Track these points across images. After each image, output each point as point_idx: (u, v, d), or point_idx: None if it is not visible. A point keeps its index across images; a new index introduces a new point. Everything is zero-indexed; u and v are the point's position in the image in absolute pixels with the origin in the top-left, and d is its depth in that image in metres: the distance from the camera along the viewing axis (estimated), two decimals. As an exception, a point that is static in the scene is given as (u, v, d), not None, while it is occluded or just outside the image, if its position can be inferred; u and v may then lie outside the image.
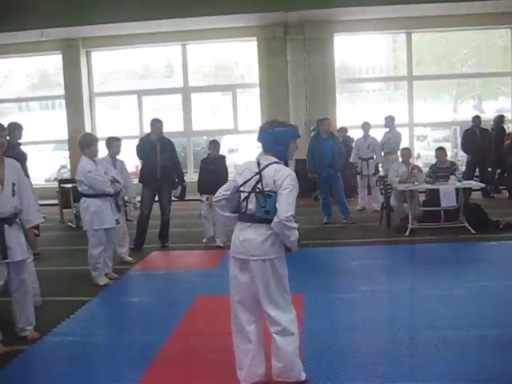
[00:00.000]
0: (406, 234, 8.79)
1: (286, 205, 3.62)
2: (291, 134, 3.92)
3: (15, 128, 7.68)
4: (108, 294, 6.39)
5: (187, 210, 10.87)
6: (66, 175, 15.83)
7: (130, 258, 7.79)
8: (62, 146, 16.70)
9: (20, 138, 7.91)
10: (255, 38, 14.84)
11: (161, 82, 17.43)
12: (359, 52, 16.62)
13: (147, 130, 15.57)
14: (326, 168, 9.89)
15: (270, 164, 3.79)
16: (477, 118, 12.35)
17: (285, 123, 4.00)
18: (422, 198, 9.72)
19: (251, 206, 3.77)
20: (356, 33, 15.11)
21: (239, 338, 3.88)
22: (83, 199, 6.76)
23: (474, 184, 9.77)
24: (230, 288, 3.89)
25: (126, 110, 17.07)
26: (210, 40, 15.39)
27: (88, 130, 14.94)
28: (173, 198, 8.89)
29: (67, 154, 15.90)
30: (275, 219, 3.63)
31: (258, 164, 3.84)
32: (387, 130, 11.62)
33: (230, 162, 12.29)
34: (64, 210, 11.73)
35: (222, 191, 3.93)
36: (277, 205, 3.65)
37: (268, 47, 14.57)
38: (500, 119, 13.10)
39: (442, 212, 9.06)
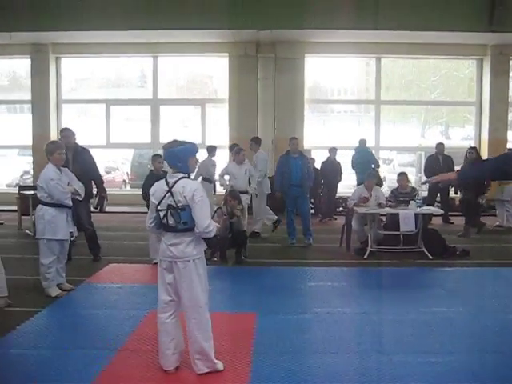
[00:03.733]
0: (365, 256, 8.85)
1: (202, 216, 4.15)
2: (189, 152, 4.32)
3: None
4: (58, 306, 6.26)
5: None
6: (29, 181, 15.51)
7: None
8: (26, 151, 16.42)
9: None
10: (227, 55, 14.87)
11: (133, 92, 17.30)
12: (332, 74, 16.86)
13: (114, 139, 15.66)
14: (294, 187, 9.78)
15: (177, 180, 4.22)
16: (440, 145, 12.57)
17: (184, 142, 4.37)
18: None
19: (171, 221, 4.23)
20: (326, 55, 15.33)
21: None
22: (40, 206, 6.61)
23: (434, 210, 9.88)
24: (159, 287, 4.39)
25: (95, 118, 16.89)
26: (182, 54, 15.41)
27: (53, 136, 14.70)
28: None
29: (31, 159, 15.62)
30: (196, 230, 4.18)
31: (167, 182, 4.25)
32: (254, 153, 10.94)
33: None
34: (23, 217, 11.47)
35: (149, 218, 4.43)
36: (194, 217, 4.16)
37: (239, 64, 14.61)
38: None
39: (402, 236, 9.17)
